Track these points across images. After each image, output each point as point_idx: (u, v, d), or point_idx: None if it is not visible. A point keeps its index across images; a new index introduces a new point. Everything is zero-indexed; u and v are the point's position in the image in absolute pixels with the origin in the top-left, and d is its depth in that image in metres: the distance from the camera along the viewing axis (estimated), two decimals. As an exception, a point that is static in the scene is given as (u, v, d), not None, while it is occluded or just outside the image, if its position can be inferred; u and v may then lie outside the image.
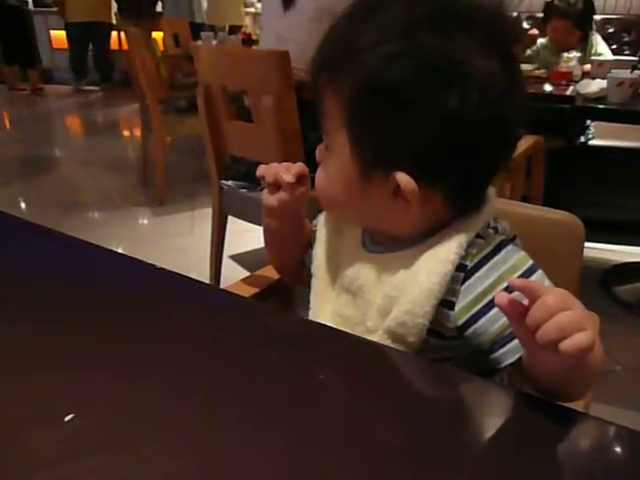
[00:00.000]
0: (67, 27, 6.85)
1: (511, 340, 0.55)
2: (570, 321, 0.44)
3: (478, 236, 0.60)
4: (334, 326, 0.63)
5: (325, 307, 0.69)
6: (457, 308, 0.59)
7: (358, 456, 0.41)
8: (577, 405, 0.56)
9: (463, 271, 0.58)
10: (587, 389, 0.55)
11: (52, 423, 0.43)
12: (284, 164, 0.69)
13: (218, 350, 0.54)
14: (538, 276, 0.58)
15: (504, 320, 0.55)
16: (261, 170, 0.69)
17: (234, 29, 5.26)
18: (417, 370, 0.55)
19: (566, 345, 0.43)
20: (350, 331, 0.61)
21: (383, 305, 0.62)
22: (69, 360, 0.52)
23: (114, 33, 6.95)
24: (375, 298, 0.64)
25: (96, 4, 6.64)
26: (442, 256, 0.58)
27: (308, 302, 0.72)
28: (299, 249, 0.79)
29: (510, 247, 0.60)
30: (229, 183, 1.88)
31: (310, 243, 0.76)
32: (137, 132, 4.62)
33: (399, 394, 0.49)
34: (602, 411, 0.48)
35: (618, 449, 0.46)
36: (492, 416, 0.48)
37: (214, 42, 3.74)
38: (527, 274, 0.57)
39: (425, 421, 0.45)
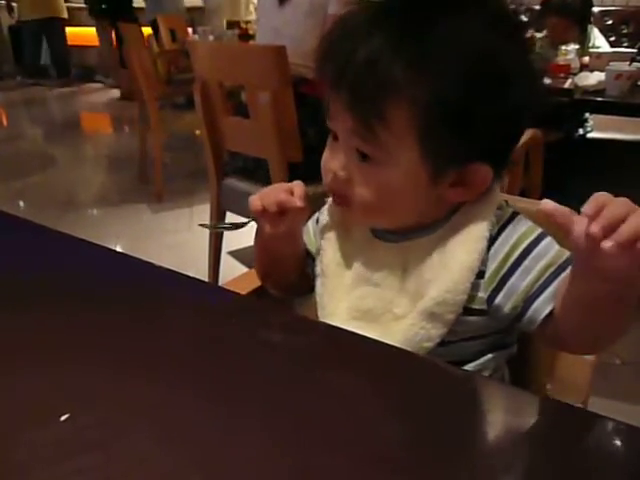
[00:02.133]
0: (19, 25, 6.89)
1: (540, 294, 0.59)
2: None
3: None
4: (352, 321, 0.65)
5: (339, 304, 0.69)
6: (487, 275, 0.62)
7: (359, 455, 0.41)
8: (577, 398, 0.56)
9: (488, 240, 0.62)
10: (616, 331, 0.56)
11: (48, 423, 0.43)
12: (277, 187, 0.67)
13: (215, 347, 0.54)
14: (548, 242, 0.61)
15: (531, 277, 0.59)
16: (257, 203, 0.66)
17: (231, 24, 5.24)
18: (420, 369, 0.55)
19: None
20: (368, 325, 0.64)
21: (416, 289, 0.63)
22: (66, 359, 0.52)
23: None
24: (404, 284, 0.65)
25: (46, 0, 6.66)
26: (477, 234, 0.61)
27: (304, 303, 0.72)
28: (296, 264, 0.77)
29: (520, 216, 0.64)
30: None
31: (308, 253, 0.76)
32: (133, 128, 4.60)
33: (401, 392, 0.49)
34: (601, 405, 0.47)
35: (616, 445, 0.45)
36: (491, 412, 0.48)
37: (211, 37, 3.73)
38: (537, 240, 0.61)
39: (427, 419, 0.45)
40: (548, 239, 0.61)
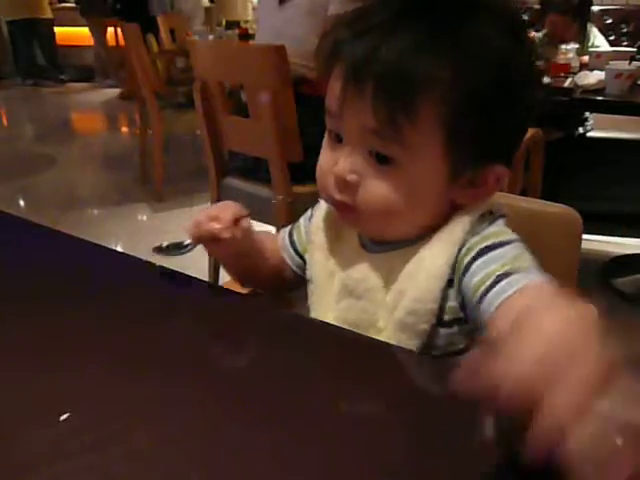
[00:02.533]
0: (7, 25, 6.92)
1: (483, 297, 0.54)
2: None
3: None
4: None
5: (327, 314, 0.67)
6: (455, 282, 0.59)
7: (359, 454, 0.41)
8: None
9: (460, 245, 0.59)
10: None
11: (48, 422, 0.43)
12: (210, 215, 0.65)
13: (216, 347, 0.54)
14: (509, 249, 0.57)
15: (476, 279, 0.55)
16: (191, 232, 0.66)
17: (230, 24, 5.25)
18: (418, 366, 0.55)
19: None
20: None
21: (392, 302, 0.62)
22: (65, 358, 0.52)
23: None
24: (385, 296, 0.63)
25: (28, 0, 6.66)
26: (447, 239, 0.59)
27: (305, 302, 0.71)
28: (270, 271, 0.75)
29: (500, 221, 0.61)
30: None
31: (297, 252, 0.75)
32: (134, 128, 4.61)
33: (400, 390, 0.49)
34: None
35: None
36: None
37: (210, 37, 3.73)
38: (499, 245, 0.57)
39: (424, 417, 0.45)
40: (511, 246, 0.57)
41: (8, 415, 0.44)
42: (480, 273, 0.56)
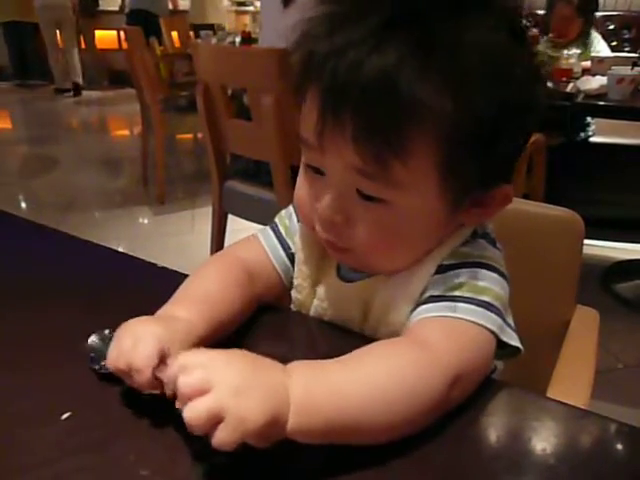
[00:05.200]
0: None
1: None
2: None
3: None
4: None
5: None
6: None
7: (359, 453, 0.41)
8: (577, 403, 0.55)
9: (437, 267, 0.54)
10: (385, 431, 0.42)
11: (49, 421, 0.43)
12: (118, 366, 0.45)
13: (218, 347, 0.54)
14: (460, 272, 0.52)
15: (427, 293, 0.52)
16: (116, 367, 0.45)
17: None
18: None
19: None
20: None
21: (371, 329, 0.57)
22: (67, 358, 0.52)
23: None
24: (362, 325, 0.59)
25: (16, 2, 6.67)
26: (426, 260, 0.54)
27: None
28: (254, 301, 0.60)
29: (479, 241, 0.56)
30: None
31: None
32: (137, 131, 4.61)
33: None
34: (603, 409, 0.47)
35: (619, 446, 0.45)
36: (491, 413, 0.48)
37: (213, 40, 3.74)
38: (456, 267, 0.52)
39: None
40: (467, 271, 0.52)
41: (9, 414, 0.44)
42: (428, 290, 0.52)
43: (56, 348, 0.53)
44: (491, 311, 0.49)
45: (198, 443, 0.38)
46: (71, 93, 6.88)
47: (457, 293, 0.50)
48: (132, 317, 0.53)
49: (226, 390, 0.37)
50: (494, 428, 0.47)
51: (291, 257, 0.64)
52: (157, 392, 0.44)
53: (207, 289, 0.56)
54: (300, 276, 0.62)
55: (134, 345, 0.45)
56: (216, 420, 0.37)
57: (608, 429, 0.46)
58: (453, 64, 0.45)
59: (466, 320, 0.48)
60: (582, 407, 0.50)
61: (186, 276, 0.62)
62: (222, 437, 0.36)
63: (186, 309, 0.51)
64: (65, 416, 0.44)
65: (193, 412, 0.37)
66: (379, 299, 0.56)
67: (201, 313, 0.51)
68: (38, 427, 0.43)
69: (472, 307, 0.49)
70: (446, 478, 0.41)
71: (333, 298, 0.60)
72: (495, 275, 0.52)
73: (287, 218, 0.66)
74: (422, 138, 0.46)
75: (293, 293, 0.63)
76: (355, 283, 0.58)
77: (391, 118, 0.45)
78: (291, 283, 0.64)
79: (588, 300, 0.80)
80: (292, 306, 0.64)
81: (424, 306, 0.51)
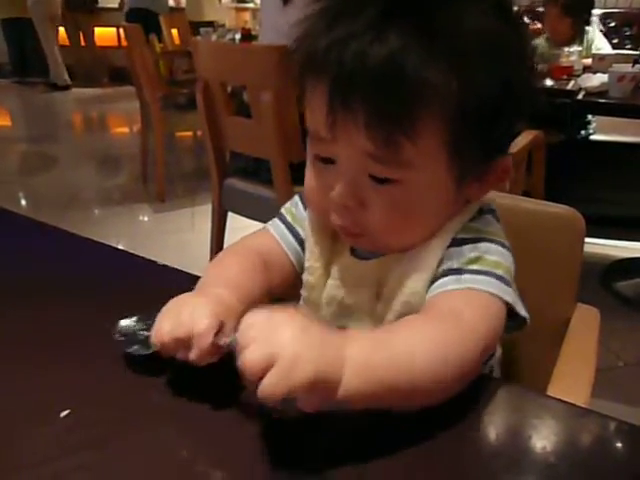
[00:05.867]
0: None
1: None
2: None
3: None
4: None
5: (318, 313, 0.64)
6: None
7: (359, 452, 0.41)
8: (577, 401, 0.55)
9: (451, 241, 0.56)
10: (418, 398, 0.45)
11: (48, 419, 0.43)
12: (177, 335, 0.47)
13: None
14: (474, 247, 0.55)
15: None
16: (162, 343, 0.48)
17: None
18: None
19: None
20: None
21: (383, 308, 0.59)
22: (66, 356, 0.52)
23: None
24: (375, 305, 0.60)
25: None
26: (439, 235, 0.56)
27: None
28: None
29: (486, 216, 0.59)
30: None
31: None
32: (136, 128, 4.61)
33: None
34: (603, 407, 0.47)
35: (619, 444, 0.45)
36: (491, 411, 0.48)
37: (213, 37, 3.74)
38: (470, 241, 0.55)
39: (425, 415, 0.45)
40: (481, 244, 0.55)
41: (8, 412, 0.44)
42: (444, 263, 0.55)
43: (56, 345, 0.53)
44: (506, 284, 0.53)
45: (200, 441, 0.38)
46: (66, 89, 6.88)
47: (476, 267, 0.53)
48: (133, 314, 0.53)
49: (284, 340, 0.39)
50: (494, 426, 0.47)
51: (301, 243, 0.66)
52: (213, 360, 0.47)
53: (228, 276, 0.57)
54: (312, 258, 0.63)
55: (192, 313, 0.48)
56: (269, 365, 0.38)
57: (608, 427, 0.46)
58: (455, 46, 0.48)
59: (489, 293, 0.51)
60: (582, 405, 0.50)
61: (187, 274, 0.62)
62: (269, 383, 0.38)
63: (220, 290, 0.53)
64: (64, 414, 0.44)
65: (247, 356, 0.39)
66: (394, 273, 0.58)
67: (232, 294, 0.53)
68: (37, 425, 0.43)
69: (490, 280, 0.52)
70: (446, 476, 0.40)
71: (348, 277, 0.62)
72: (504, 250, 0.56)
73: (293, 207, 0.68)
74: (430, 118, 0.49)
75: (305, 276, 0.65)
76: (370, 261, 0.60)
77: (400, 101, 0.48)
78: (303, 268, 0.65)
79: (588, 298, 0.80)
80: (302, 291, 0.65)
81: (445, 278, 0.54)
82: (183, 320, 0.47)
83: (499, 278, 0.53)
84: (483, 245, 0.55)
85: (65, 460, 0.40)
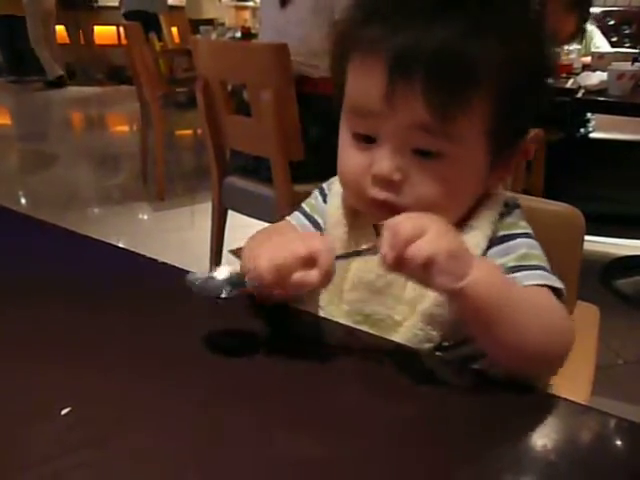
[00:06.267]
0: None
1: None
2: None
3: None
4: (351, 325, 0.61)
5: (340, 306, 0.65)
6: None
7: (358, 451, 0.41)
8: (578, 398, 0.55)
9: (489, 239, 0.61)
10: (523, 342, 0.51)
11: (49, 417, 0.43)
12: (298, 253, 0.49)
13: (219, 344, 0.54)
14: (519, 243, 0.59)
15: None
16: (265, 276, 0.50)
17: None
18: (429, 366, 0.54)
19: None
20: (369, 329, 0.60)
21: (414, 294, 0.61)
22: (67, 354, 0.52)
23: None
24: (404, 291, 0.62)
25: None
26: (476, 225, 0.60)
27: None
28: None
29: (516, 211, 0.63)
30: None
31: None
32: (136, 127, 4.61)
33: (407, 389, 0.49)
34: (603, 405, 0.47)
35: (619, 441, 0.45)
36: (490, 408, 0.48)
37: (213, 36, 3.73)
38: (512, 237, 0.60)
39: (426, 413, 0.45)
40: (523, 240, 0.60)
41: (9, 409, 0.44)
42: (498, 260, 0.58)
43: (56, 344, 0.53)
44: (553, 274, 0.57)
45: (199, 440, 0.38)
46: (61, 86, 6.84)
47: (534, 262, 0.58)
48: (132, 313, 0.53)
49: (432, 220, 0.47)
50: (493, 424, 0.47)
51: (320, 230, 0.69)
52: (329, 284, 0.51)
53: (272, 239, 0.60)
54: (336, 240, 0.65)
55: (292, 240, 0.51)
56: (417, 234, 0.46)
57: (608, 425, 0.46)
58: (505, 31, 0.55)
59: (546, 286, 0.55)
60: (582, 403, 0.50)
61: (187, 272, 0.62)
62: (419, 245, 0.45)
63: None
64: (65, 411, 0.44)
65: (401, 223, 0.46)
66: None
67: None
68: (38, 423, 0.43)
69: (545, 274, 0.56)
70: (446, 475, 0.41)
71: (376, 262, 0.62)
72: (537, 243, 0.61)
73: (313, 199, 0.72)
74: (480, 92, 0.54)
75: None
76: None
77: (459, 75, 0.53)
78: None
79: (588, 296, 0.80)
80: None
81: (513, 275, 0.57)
82: (305, 236, 0.55)
83: (548, 270, 0.57)
84: (525, 241, 0.60)
85: (66, 458, 0.40)
